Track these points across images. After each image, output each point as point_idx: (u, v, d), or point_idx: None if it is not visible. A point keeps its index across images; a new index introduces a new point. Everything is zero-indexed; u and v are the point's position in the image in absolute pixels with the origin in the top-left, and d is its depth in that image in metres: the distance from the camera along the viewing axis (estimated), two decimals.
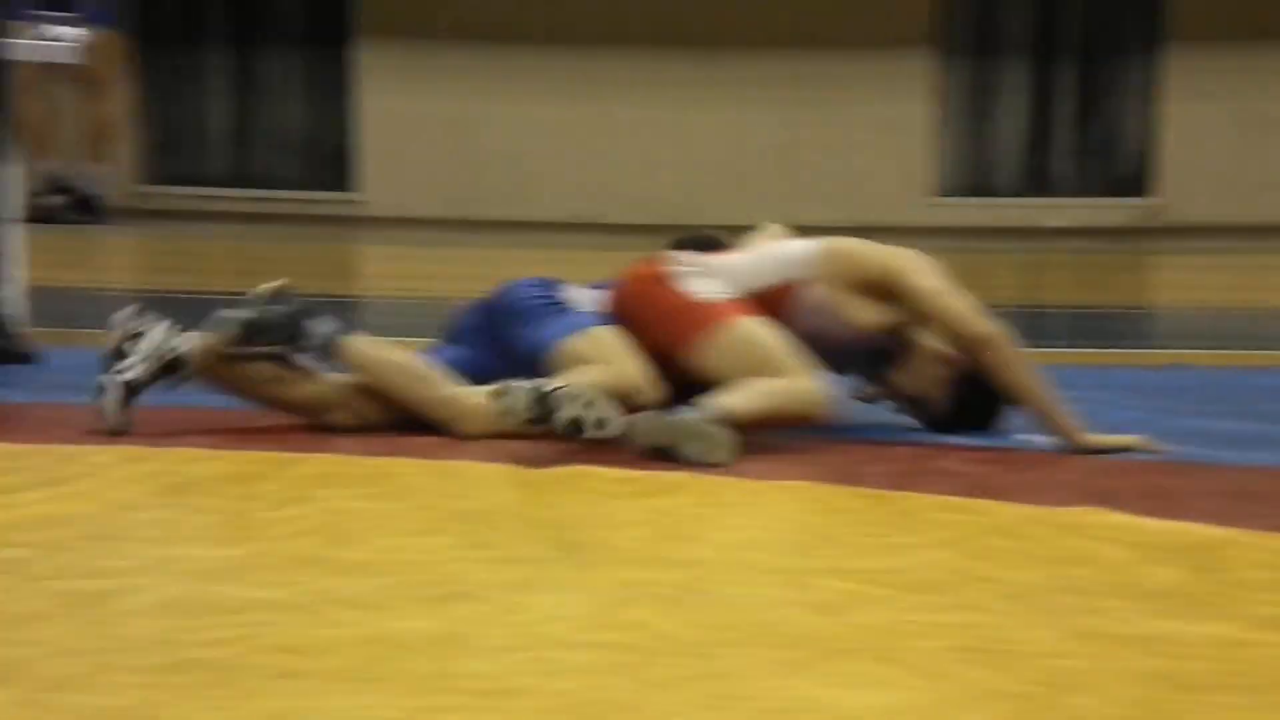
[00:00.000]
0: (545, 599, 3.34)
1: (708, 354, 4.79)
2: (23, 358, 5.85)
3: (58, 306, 7.16)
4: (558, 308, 4.96)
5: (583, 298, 5.04)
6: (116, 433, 4.66)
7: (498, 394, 4.52)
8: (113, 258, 10.22)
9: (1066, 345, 7.68)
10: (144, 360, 4.71)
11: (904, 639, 3.13)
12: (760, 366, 4.75)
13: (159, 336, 4.75)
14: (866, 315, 4.97)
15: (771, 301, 4.91)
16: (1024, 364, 4.85)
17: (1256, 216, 11.90)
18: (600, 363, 4.78)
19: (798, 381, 4.75)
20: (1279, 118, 11.98)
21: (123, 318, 4.75)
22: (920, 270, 4.97)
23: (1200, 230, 11.81)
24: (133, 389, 4.71)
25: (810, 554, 3.76)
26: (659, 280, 4.97)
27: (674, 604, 3.30)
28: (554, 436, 4.56)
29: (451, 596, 3.34)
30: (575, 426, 4.52)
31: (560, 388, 4.52)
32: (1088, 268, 11.02)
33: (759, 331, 4.81)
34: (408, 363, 4.83)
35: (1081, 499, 4.17)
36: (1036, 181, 12.70)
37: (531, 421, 4.50)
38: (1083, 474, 4.57)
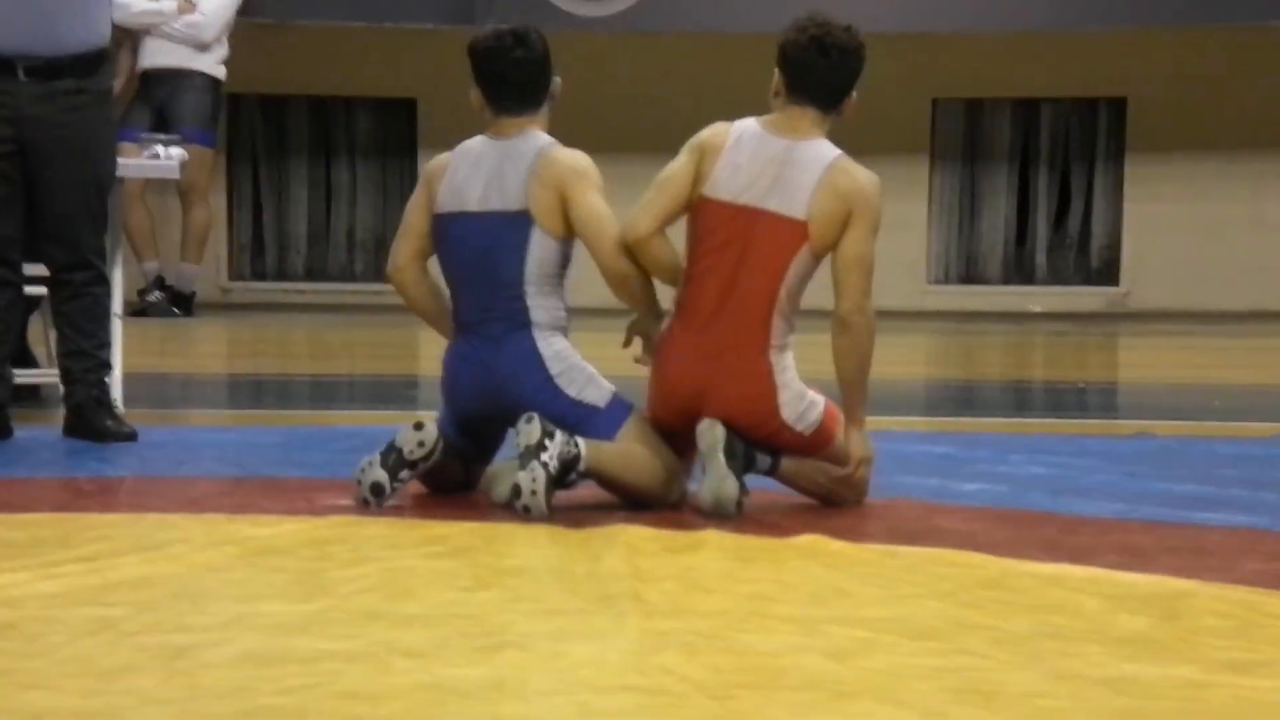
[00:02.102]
0: (582, 647, 3.29)
1: None
2: (125, 436, 5.83)
3: (154, 390, 7.15)
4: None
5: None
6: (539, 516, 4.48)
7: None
8: (203, 346, 10.23)
9: (1046, 416, 7.64)
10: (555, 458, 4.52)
11: (905, 681, 3.08)
12: None
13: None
14: None
15: None
16: None
17: (1208, 304, 11.86)
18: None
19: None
20: (1224, 218, 11.94)
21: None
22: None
23: (1161, 315, 11.76)
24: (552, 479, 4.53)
25: (822, 604, 3.71)
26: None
27: (698, 651, 3.26)
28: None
29: (499, 645, 3.29)
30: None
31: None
32: (1065, 347, 10.98)
33: None
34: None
35: (1060, 555, 4.13)
36: (1020, 271, 12.64)
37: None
38: (1059, 531, 4.51)
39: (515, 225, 4.74)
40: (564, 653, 3.25)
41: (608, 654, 3.24)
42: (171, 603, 3.63)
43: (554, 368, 4.71)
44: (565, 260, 4.79)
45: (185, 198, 10.73)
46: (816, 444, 4.72)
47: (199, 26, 10.37)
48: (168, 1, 10.34)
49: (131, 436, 5.81)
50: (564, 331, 4.79)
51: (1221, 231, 11.93)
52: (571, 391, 4.71)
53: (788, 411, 4.69)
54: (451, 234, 4.81)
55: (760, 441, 4.68)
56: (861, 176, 4.66)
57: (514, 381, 4.70)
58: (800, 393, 4.72)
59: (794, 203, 4.63)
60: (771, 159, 4.65)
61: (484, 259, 4.75)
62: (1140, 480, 5.31)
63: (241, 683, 3.02)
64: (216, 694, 2.96)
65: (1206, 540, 4.39)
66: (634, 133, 10.72)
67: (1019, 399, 8.25)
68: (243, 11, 10.63)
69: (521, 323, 4.73)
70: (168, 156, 7.05)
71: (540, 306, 4.76)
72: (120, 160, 6.24)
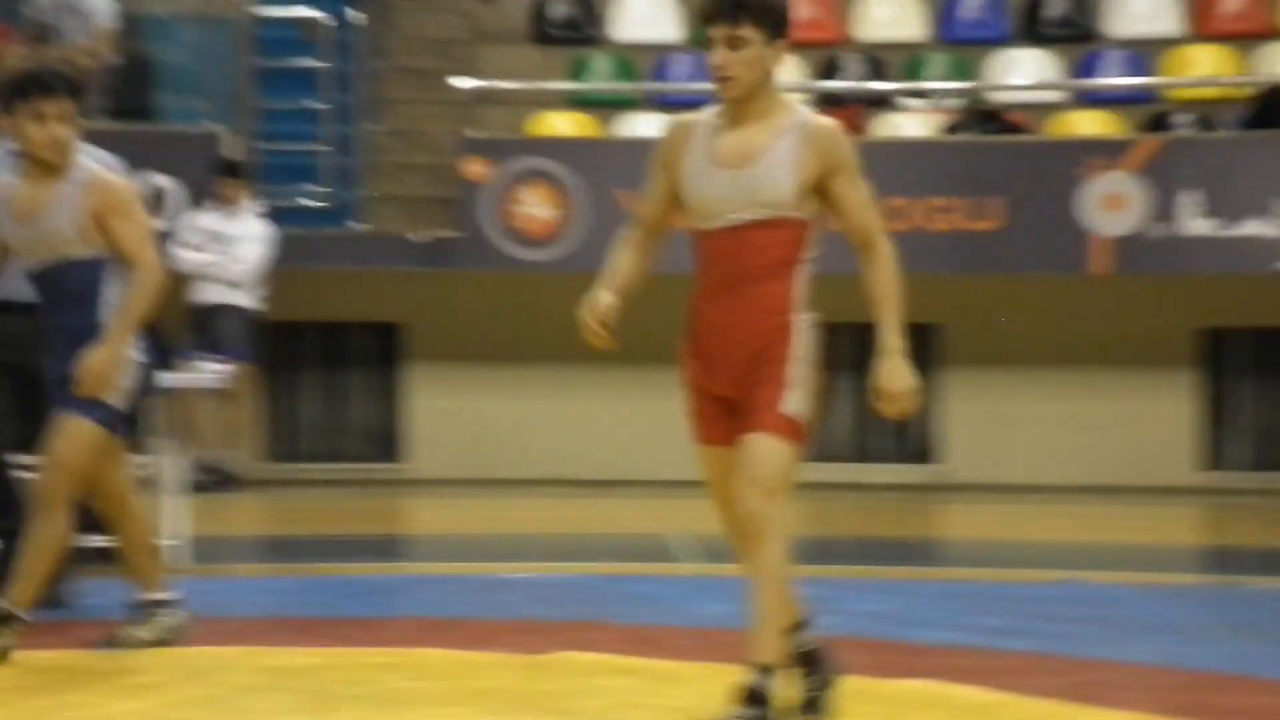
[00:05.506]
0: None
1: None
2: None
3: (206, 550, 7.10)
4: None
5: None
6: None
7: None
8: (244, 514, 10.20)
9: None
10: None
11: None
12: None
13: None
14: None
15: None
16: None
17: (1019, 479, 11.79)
18: None
19: None
20: (1025, 415, 11.97)
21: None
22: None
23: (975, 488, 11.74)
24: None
25: None
26: None
27: None
28: None
29: None
30: None
31: None
32: (890, 511, 10.95)
33: None
34: None
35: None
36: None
37: None
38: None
39: None
40: None
41: None
42: None
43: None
44: None
45: (227, 400, 10.73)
46: None
47: (241, 275, 10.50)
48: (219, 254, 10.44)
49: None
50: None
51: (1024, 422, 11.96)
52: None
53: None
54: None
55: None
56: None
57: None
58: None
59: None
60: None
61: None
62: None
63: None
64: None
65: (1008, 663, 4.38)
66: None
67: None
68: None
69: None
70: (212, 370, 7.21)
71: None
72: (182, 375, 6.35)
